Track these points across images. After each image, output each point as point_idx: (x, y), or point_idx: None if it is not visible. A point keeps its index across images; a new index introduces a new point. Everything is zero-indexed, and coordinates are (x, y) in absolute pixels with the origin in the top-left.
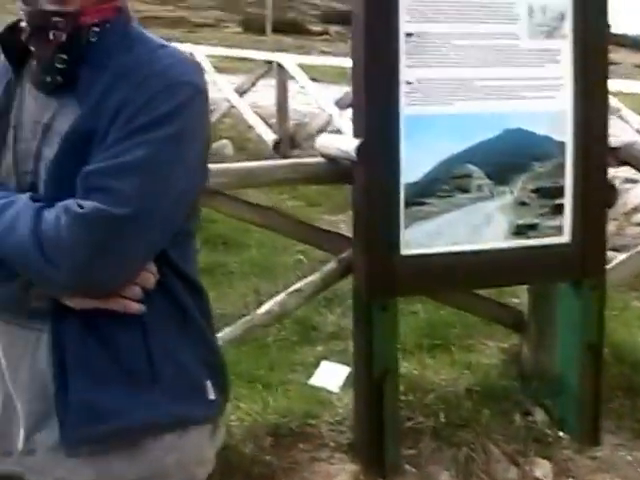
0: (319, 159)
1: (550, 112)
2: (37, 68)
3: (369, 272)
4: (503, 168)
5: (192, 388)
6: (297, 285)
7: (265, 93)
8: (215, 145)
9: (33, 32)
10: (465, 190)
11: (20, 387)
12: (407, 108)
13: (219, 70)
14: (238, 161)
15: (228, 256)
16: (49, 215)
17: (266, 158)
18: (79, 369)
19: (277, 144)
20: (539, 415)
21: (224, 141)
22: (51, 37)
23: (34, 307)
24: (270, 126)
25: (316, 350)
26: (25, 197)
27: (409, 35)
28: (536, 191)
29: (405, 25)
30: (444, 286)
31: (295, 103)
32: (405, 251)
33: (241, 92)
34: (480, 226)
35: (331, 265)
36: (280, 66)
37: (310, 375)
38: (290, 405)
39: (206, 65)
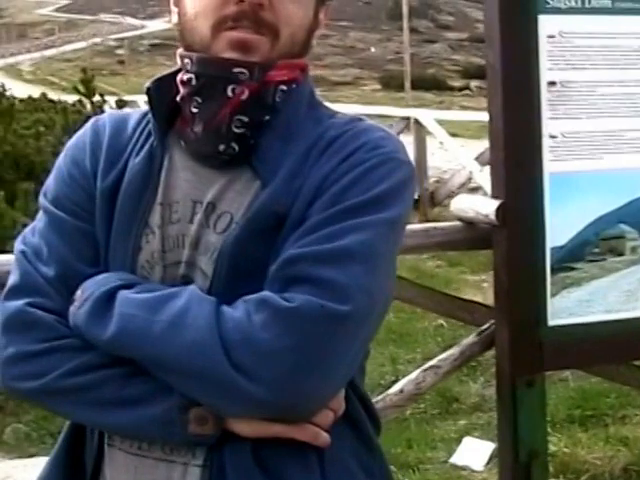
0: (455, 223)
1: None
2: (203, 133)
3: (513, 345)
4: None
5: None
6: (433, 361)
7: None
8: None
9: (204, 86)
10: (618, 253)
11: None
12: (551, 164)
13: None
14: None
15: None
16: (235, 310)
17: None
18: None
19: (416, 202)
20: None
21: None
22: (229, 94)
23: (189, 434)
24: None
25: (458, 424)
26: (193, 287)
27: (551, 84)
28: None
29: (547, 73)
30: (596, 359)
31: (435, 159)
32: (552, 321)
33: None
34: (635, 292)
35: (471, 338)
36: (418, 122)
37: (451, 452)
38: None
39: None
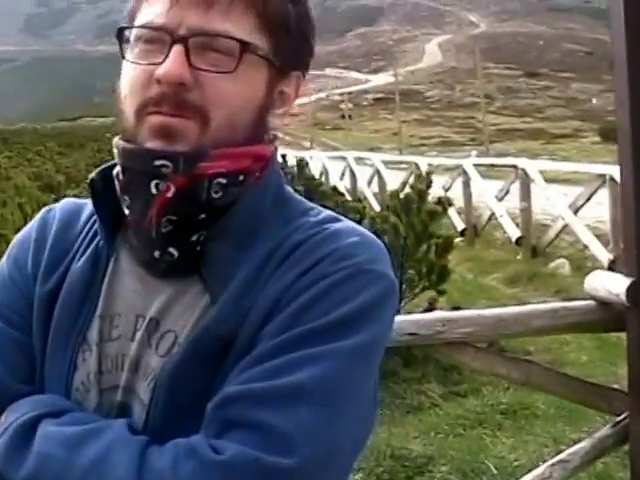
0: (587, 302)
1: None
2: (137, 237)
3: None
4: None
5: None
6: (562, 455)
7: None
8: (553, 264)
9: (130, 182)
10: None
11: None
12: None
13: (570, 182)
14: (573, 281)
15: (535, 394)
16: (161, 458)
17: None
18: None
19: (613, 263)
20: None
21: (561, 260)
22: (153, 190)
23: None
24: (608, 243)
25: None
26: (120, 424)
27: None
28: None
29: None
30: None
31: None
32: None
33: (575, 207)
34: None
35: (604, 430)
36: (613, 179)
37: None
38: None
39: (537, 178)
